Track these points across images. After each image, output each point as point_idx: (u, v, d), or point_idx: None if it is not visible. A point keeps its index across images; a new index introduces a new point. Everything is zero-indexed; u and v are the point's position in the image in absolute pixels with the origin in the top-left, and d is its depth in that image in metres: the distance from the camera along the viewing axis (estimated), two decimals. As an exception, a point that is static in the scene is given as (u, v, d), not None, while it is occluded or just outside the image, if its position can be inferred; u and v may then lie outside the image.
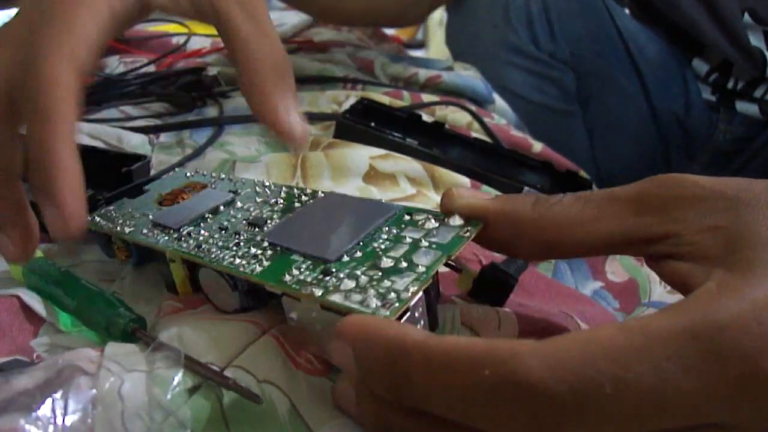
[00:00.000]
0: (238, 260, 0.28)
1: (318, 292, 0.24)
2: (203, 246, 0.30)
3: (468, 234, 0.26)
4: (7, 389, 0.22)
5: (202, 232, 0.31)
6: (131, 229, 0.33)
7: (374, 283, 0.24)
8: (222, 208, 0.34)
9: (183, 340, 0.26)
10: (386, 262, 0.25)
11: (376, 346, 0.20)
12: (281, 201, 0.33)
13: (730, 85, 0.86)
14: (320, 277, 0.25)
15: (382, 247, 0.27)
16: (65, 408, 0.21)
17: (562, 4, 0.86)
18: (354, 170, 0.48)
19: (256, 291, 0.29)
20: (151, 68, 0.71)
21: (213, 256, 0.29)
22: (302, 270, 0.26)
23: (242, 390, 0.24)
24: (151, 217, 0.34)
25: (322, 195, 0.33)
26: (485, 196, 0.27)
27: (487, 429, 0.19)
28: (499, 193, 0.27)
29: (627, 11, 0.92)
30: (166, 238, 0.31)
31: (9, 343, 0.29)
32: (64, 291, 0.31)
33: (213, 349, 0.26)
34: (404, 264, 0.25)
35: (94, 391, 0.21)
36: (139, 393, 0.22)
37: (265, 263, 0.27)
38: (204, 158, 0.51)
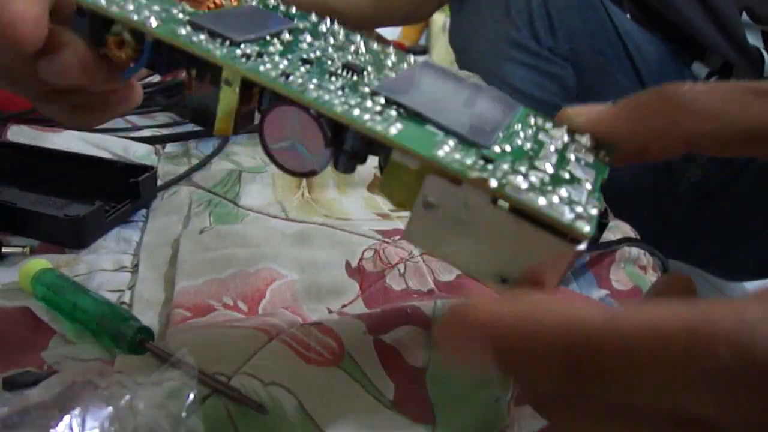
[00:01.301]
0: (357, 110, 0.21)
1: (494, 183, 0.19)
2: (291, 77, 0.22)
3: (608, 160, 0.23)
4: (21, 402, 0.22)
5: (278, 57, 0.23)
6: (157, 21, 0.24)
7: (548, 187, 0.20)
8: (287, 34, 0.25)
9: (193, 350, 0.27)
10: (546, 167, 0.21)
11: (548, 335, 0.16)
12: (363, 52, 0.25)
13: None
14: (481, 163, 0.20)
15: (528, 146, 0.22)
16: (83, 425, 0.21)
17: (561, 0, 0.87)
18: (359, 180, 0.48)
19: (354, 152, 0.22)
20: (156, 78, 0.71)
21: (314, 94, 0.21)
22: (453, 148, 0.21)
23: (249, 401, 0.24)
24: (181, 15, 0.25)
25: (416, 62, 0.26)
26: (599, 106, 0.24)
27: (711, 413, 0.15)
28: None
29: (628, 16, 0.93)
30: (224, 50, 0.23)
31: (20, 354, 0.30)
32: (72, 302, 0.31)
33: (222, 358, 0.26)
34: (567, 175, 0.21)
35: (111, 408, 0.22)
36: (151, 406, 0.23)
37: (398, 125, 0.21)
38: (210, 168, 0.52)
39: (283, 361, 0.26)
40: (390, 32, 0.94)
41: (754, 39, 0.81)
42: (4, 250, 0.38)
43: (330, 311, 0.32)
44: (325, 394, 0.25)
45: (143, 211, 0.44)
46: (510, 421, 0.25)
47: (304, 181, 0.48)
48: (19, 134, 0.53)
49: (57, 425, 0.21)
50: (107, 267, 0.37)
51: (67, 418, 0.21)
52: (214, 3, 0.27)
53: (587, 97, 0.91)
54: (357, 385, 0.26)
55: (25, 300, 0.32)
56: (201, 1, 0.27)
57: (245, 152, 0.55)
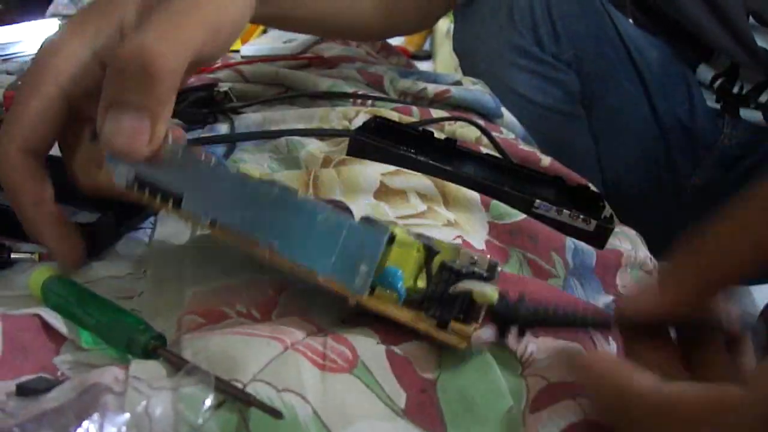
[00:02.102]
0: None
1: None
2: None
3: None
4: (35, 407, 0.22)
5: None
6: None
7: None
8: None
9: (207, 357, 0.27)
10: None
11: (607, 388, 0.24)
12: None
13: (735, 90, 0.86)
14: None
15: None
16: (100, 430, 0.21)
17: (564, 6, 0.87)
18: (365, 187, 0.48)
19: None
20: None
21: None
22: None
23: (264, 406, 0.24)
24: None
25: None
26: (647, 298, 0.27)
27: None
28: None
29: (630, 21, 0.93)
30: None
31: (33, 361, 0.30)
32: (84, 308, 0.31)
33: (236, 365, 0.26)
34: None
35: (128, 414, 0.22)
36: (166, 412, 0.23)
37: None
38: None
39: (297, 369, 0.26)
40: (394, 39, 0.95)
41: (762, 41, 0.81)
42: (12, 256, 0.38)
43: (343, 321, 0.32)
44: (339, 400, 0.25)
45: (151, 218, 0.45)
46: (526, 429, 0.25)
47: (311, 188, 0.48)
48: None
49: (75, 430, 0.21)
50: (117, 273, 0.37)
51: (85, 423, 0.21)
52: None
53: (591, 103, 0.92)
54: (370, 393, 0.26)
55: (36, 307, 0.32)
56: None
57: (252, 159, 0.55)
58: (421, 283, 0.30)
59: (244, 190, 0.30)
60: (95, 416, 0.22)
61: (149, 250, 0.40)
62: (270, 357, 0.27)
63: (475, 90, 0.74)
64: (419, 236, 0.31)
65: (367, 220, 0.28)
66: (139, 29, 0.31)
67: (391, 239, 0.29)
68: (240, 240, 0.30)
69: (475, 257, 0.31)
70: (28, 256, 0.39)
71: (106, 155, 0.33)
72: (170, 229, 0.43)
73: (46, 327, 0.32)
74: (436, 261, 0.31)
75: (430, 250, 0.30)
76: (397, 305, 0.29)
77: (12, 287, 0.37)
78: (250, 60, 0.82)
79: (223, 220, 0.30)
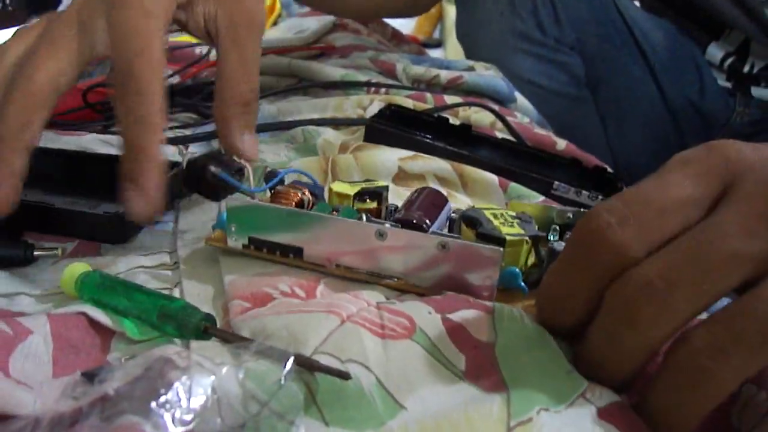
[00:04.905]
0: None
1: None
2: None
3: None
4: (103, 390, 0.23)
5: None
6: None
7: None
8: None
9: (266, 336, 0.27)
10: None
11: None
12: None
13: (746, 69, 0.86)
14: None
15: None
16: (189, 392, 0.21)
17: None
18: (383, 172, 0.48)
19: None
20: (176, 79, 0.72)
21: None
22: None
23: (330, 369, 0.25)
24: None
25: None
26: None
27: None
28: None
29: (637, 3, 0.92)
30: None
31: (83, 359, 0.30)
32: (127, 299, 0.31)
33: (297, 341, 0.27)
34: None
35: (214, 377, 0.22)
36: (233, 388, 0.23)
37: None
38: (236, 166, 0.52)
39: (358, 339, 0.27)
40: (403, 27, 0.95)
41: None
42: (35, 253, 0.38)
43: (387, 298, 0.32)
44: (401, 368, 0.26)
45: (171, 211, 0.44)
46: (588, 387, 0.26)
47: (330, 174, 0.48)
48: (42, 138, 0.53)
49: (166, 392, 0.21)
50: (147, 264, 0.37)
51: (175, 384, 0.22)
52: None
53: (596, 85, 0.92)
54: (430, 358, 0.27)
55: (81, 305, 0.32)
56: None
57: (268, 149, 0.56)
58: (531, 260, 0.33)
59: (351, 230, 0.32)
60: (183, 378, 0.22)
61: (175, 242, 0.40)
62: (329, 330, 0.27)
63: (488, 75, 0.74)
64: (520, 221, 0.33)
65: (482, 236, 0.32)
66: None
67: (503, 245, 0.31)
68: (367, 275, 0.33)
69: (569, 214, 0.35)
70: (51, 252, 0.38)
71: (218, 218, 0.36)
72: (193, 221, 0.43)
73: (92, 324, 0.31)
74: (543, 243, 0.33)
75: (536, 239, 0.33)
76: (523, 299, 0.31)
77: (39, 285, 0.36)
78: (262, 52, 0.82)
79: (348, 263, 0.33)
